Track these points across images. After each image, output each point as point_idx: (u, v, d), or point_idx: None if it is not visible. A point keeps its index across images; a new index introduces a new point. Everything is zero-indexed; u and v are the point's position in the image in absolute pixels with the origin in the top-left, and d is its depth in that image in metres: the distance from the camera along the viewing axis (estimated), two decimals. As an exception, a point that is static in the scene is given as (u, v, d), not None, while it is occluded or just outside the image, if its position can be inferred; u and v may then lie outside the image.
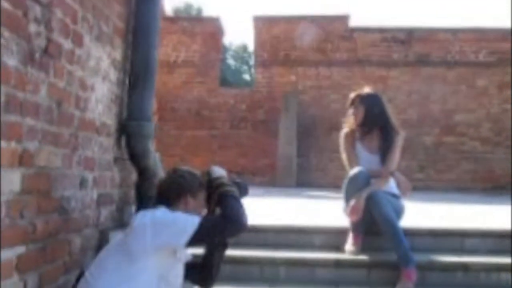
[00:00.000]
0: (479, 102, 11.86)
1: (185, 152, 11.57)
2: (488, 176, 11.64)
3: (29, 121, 2.57)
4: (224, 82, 12.23)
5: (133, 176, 4.06)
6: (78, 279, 2.58)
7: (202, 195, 2.68)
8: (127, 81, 3.99)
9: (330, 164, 10.86)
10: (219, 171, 2.74)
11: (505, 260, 3.69)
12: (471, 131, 11.89)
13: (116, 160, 3.80)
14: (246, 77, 11.59)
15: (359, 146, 3.98)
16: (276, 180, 11.13)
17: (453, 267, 3.66)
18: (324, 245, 3.95)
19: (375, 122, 3.96)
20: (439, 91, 11.89)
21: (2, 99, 2.31)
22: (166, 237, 2.40)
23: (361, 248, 3.78)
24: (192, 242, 2.41)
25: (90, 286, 2.44)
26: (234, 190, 2.62)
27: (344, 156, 4.02)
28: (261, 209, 5.48)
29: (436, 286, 3.57)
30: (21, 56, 2.46)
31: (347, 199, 3.78)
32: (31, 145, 2.60)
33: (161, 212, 2.50)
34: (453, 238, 3.98)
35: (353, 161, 3.93)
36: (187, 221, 2.42)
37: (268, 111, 11.92)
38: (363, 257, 3.71)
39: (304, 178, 11.31)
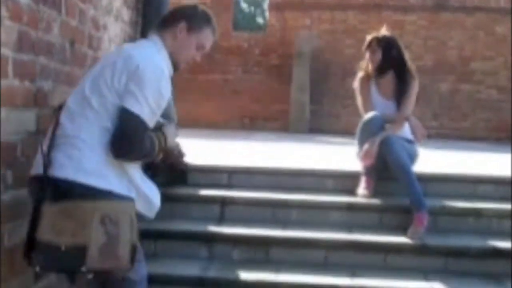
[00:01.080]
0: (497, 50, 11.61)
1: (197, 96, 11.50)
2: (502, 126, 11.51)
3: (42, 60, 2.55)
4: (237, 25, 12.03)
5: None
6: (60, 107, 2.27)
7: (198, 37, 2.35)
8: (139, 21, 3.94)
9: (343, 110, 10.78)
10: (169, 130, 2.41)
11: (517, 207, 3.69)
12: (488, 79, 11.70)
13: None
14: (260, 20, 11.35)
15: (374, 91, 3.93)
16: (288, 126, 11.09)
17: (465, 212, 3.66)
18: (337, 188, 3.95)
19: (392, 66, 3.90)
20: (457, 37, 11.66)
21: (15, 36, 2.28)
22: (126, 96, 2.13)
23: (374, 192, 3.78)
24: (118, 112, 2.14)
25: (76, 113, 2.18)
26: (161, 138, 2.31)
27: (359, 100, 3.97)
28: (274, 153, 5.49)
29: (448, 231, 3.58)
30: (33, -7, 2.42)
31: (361, 143, 3.76)
32: (45, 85, 2.59)
33: (142, 69, 2.15)
34: (466, 184, 3.97)
35: (368, 106, 3.89)
36: (141, 104, 2.13)
37: (282, 56, 11.78)
38: (375, 201, 3.72)
39: (316, 125, 11.27)
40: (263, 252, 3.40)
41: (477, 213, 3.65)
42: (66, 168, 2.10)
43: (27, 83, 2.42)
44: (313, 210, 3.70)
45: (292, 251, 3.40)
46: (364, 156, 3.70)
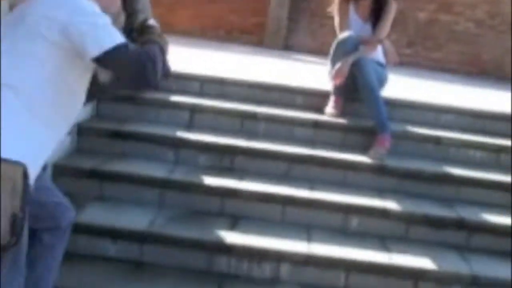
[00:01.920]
0: (479, -17, 11.55)
1: (173, 2, 11.26)
2: (475, 60, 11.63)
3: None
4: None
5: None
6: None
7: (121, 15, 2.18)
8: None
9: (320, 29, 10.70)
10: (154, 23, 2.28)
11: (475, 138, 3.84)
12: (467, 11, 11.69)
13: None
14: None
15: (352, 13, 3.94)
16: (263, 40, 11.01)
17: (426, 138, 3.80)
18: (306, 105, 4.03)
19: (371, -11, 3.90)
20: (441, -35, 11.52)
21: None
22: (76, 41, 1.87)
23: (341, 112, 3.88)
24: (102, 62, 1.91)
25: None
26: (164, 42, 2.17)
27: (336, 20, 3.99)
28: (248, 66, 5.51)
29: (408, 154, 3.72)
30: None
31: (334, 62, 3.81)
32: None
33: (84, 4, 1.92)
34: (429, 112, 4.10)
35: (344, 26, 3.91)
36: (110, 32, 1.90)
37: (263, -32, 11.51)
38: (341, 120, 3.82)
39: (292, 42, 11.18)
40: (228, 160, 3.50)
41: (437, 140, 3.80)
42: None
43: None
44: (280, 124, 3.78)
45: (257, 161, 3.51)
46: (335, 75, 3.77)
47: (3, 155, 1.75)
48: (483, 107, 4.28)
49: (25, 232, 1.90)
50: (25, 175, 1.78)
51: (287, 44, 11.02)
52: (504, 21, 11.28)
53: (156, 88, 1.98)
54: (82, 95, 2.07)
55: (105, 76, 2.17)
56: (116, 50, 1.86)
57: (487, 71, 11.24)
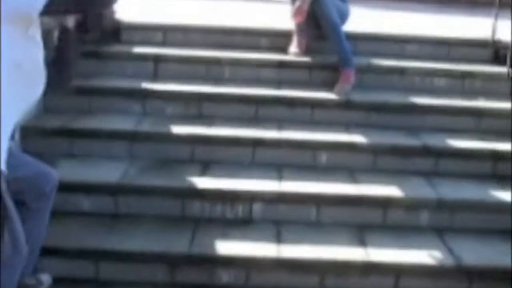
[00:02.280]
0: None
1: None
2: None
3: None
4: None
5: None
6: None
7: None
8: None
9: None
10: None
11: (439, 65, 3.88)
12: None
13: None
14: None
15: None
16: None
17: (390, 70, 3.84)
18: (270, 47, 4.04)
19: None
20: None
21: None
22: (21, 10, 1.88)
23: (305, 50, 3.88)
24: (51, 9, 1.94)
25: None
26: None
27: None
28: (212, 11, 5.45)
29: (373, 88, 3.76)
30: None
31: (293, 1, 3.79)
32: None
33: None
34: (393, 43, 4.12)
35: (301, -38, 3.87)
36: None
37: None
38: (305, 59, 3.84)
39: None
40: (196, 108, 3.52)
41: (402, 71, 3.84)
42: None
43: None
44: (245, 67, 3.80)
45: (224, 106, 3.54)
46: (295, 14, 3.76)
47: None
48: (447, 34, 4.30)
49: (14, 215, 1.96)
50: None
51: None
52: None
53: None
54: (36, 73, 2.02)
55: (69, 20, 2.17)
56: None
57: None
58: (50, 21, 2.20)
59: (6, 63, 1.85)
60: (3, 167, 1.86)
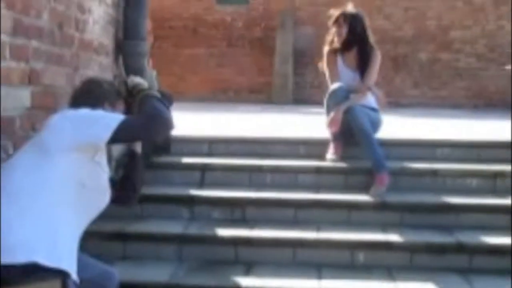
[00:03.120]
0: (475, 19, 11.91)
1: (183, 70, 11.78)
2: (480, 93, 11.87)
3: (34, 43, 2.86)
4: (221, -1, 12.26)
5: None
6: None
7: (120, 105, 2.53)
8: (121, 3, 4.23)
9: (325, 81, 11.11)
10: (136, 79, 2.61)
11: (470, 166, 4.07)
12: (466, 47, 12.02)
13: (115, 78, 4.11)
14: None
15: (340, 63, 4.28)
16: (272, 97, 11.42)
17: (422, 172, 4.04)
18: (308, 154, 4.31)
19: (356, 40, 4.23)
20: (436, 7, 11.94)
21: (10, 24, 2.59)
22: (88, 132, 2.22)
23: (341, 156, 4.15)
24: (116, 139, 2.25)
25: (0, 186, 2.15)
26: (155, 93, 2.47)
27: (326, 73, 4.33)
28: (256, 123, 5.85)
29: (407, 189, 3.96)
30: (24, -17, 2.72)
31: (328, 111, 4.12)
32: (38, 65, 2.91)
33: (84, 110, 2.31)
34: (425, 148, 4.35)
35: (334, 77, 4.24)
36: (110, 116, 2.28)
37: (265, 29, 12.05)
38: (341, 164, 4.09)
39: (300, 95, 11.60)
40: (239, 212, 3.77)
41: (434, 173, 4.03)
42: None
43: (22, 64, 2.74)
44: (285, 173, 4.06)
45: (266, 210, 3.77)
46: (330, 124, 4.07)
47: (46, 263, 2.01)
48: (478, 137, 4.52)
49: None
50: (64, 285, 2.04)
51: (295, 98, 11.43)
52: (504, 53, 11.61)
53: (173, 127, 2.33)
54: (100, 192, 2.37)
55: (137, 147, 2.58)
56: (122, 123, 2.22)
57: (494, 102, 11.50)
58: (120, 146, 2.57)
59: (72, 183, 2.21)
60: (75, 276, 2.13)
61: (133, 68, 4.16)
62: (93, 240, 3.45)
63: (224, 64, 12.11)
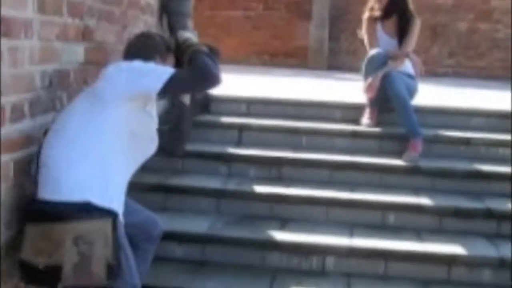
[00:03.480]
0: (518, -11, 11.65)
1: (219, 32, 11.81)
2: (518, 65, 11.67)
3: (88, 1, 2.99)
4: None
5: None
6: (45, 132, 2.43)
7: (171, 59, 2.64)
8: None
9: (361, 47, 11.01)
10: (186, 34, 2.72)
11: (503, 136, 4.12)
12: (506, 17, 11.80)
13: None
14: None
15: (379, 30, 4.33)
16: (307, 62, 11.44)
17: (456, 140, 4.12)
18: (344, 118, 4.41)
19: (396, 8, 4.28)
20: (478, -25, 11.70)
21: (67, -18, 2.73)
22: (141, 83, 2.35)
23: (376, 122, 4.24)
24: (166, 90, 2.39)
25: (57, 133, 2.34)
26: (204, 48, 2.56)
27: (365, 38, 4.39)
28: (290, 86, 5.94)
29: (440, 156, 4.04)
30: None
31: (365, 77, 4.20)
32: (91, 22, 3.05)
33: (137, 62, 2.44)
34: (460, 116, 4.41)
35: (373, 43, 4.31)
36: (161, 69, 2.41)
37: (302, -7, 11.99)
38: (376, 129, 4.19)
39: (335, 61, 11.57)
40: (276, 171, 3.91)
41: (467, 141, 4.11)
42: (45, 189, 2.25)
43: (77, 21, 2.88)
44: (320, 136, 4.18)
45: (301, 170, 3.90)
46: (367, 89, 4.15)
47: (99, 203, 2.19)
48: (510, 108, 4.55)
49: (130, 256, 2.38)
50: (114, 226, 2.24)
51: (330, 64, 11.43)
52: (545, 25, 11.38)
53: (221, 81, 2.45)
54: (149, 141, 2.54)
55: (186, 98, 2.72)
56: (173, 76, 2.36)
57: (531, 75, 11.33)
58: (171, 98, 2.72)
59: (124, 131, 2.37)
60: (121, 218, 2.31)
61: (176, 27, 4.29)
62: (136, 191, 3.61)
63: (260, 27, 12.13)
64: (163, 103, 2.61)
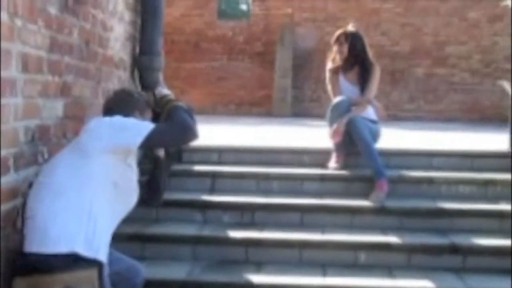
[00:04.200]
0: (470, 34, 12.23)
1: (184, 84, 12.04)
2: (475, 108, 12.15)
3: (67, 58, 3.14)
4: (221, 12, 12.56)
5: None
6: (30, 185, 2.56)
7: (149, 114, 2.76)
8: (138, 21, 4.53)
9: (324, 95, 11.21)
10: (164, 90, 2.89)
11: (464, 174, 4.35)
12: (461, 62, 12.33)
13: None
14: (243, 7, 11.88)
15: (342, 79, 4.57)
16: (272, 110, 11.70)
17: (419, 180, 4.32)
18: (312, 163, 4.59)
19: (357, 57, 4.53)
20: (432, 23, 12.25)
21: (48, 42, 2.88)
22: (122, 137, 2.47)
23: (343, 165, 4.42)
24: (146, 144, 2.52)
25: (43, 185, 2.43)
26: (182, 103, 2.72)
27: (329, 87, 4.63)
28: (258, 134, 6.13)
29: (404, 195, 4.23)
30: (58, 4, 3.00)
31: (331, 124, 4.40)
32: (69, 79, 3.19)
33: (118, 117, 2.57)
34: (422, 157, 4.63)
35: (336, 92, 4.54)
36: (142, 124, 2.55)
37: (265, 44, 12.36)
38: (344, 172, 4.37)
39: (299, 109, 11.89)
40: (249, 216, 4.03)
41: (430, 180, 4.31)
42: (32, 241, 2.33)
43: (56, 78, 3.02)
44: (291, 181, 4.34)
45: (273, 214, 4.04)
46: (333, 135, 4.35)
47: (85, 254, 2.30)
48: (471, 147, 4.81)
49: None
50: (101, 276, 2.35)
51: (294, 111, 11.73)
52: (498, 68, 11.94)
53: (198, 136, 2.62)
54: (130, 192, 2.66)
55: (160, 152, 2.85)
56: (153, 131, 2.50)
57: (488, 116, 11.80)
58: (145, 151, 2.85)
59: (108, 182, 2.49)
60: (106, 267, 2.41)
61: (148, 81, 4.46)
62: (114, 241, 3.72)
63: (225, 77, 12.41)
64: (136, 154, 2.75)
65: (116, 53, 4.06)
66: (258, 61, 12.39)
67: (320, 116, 10.57)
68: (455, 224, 3.95)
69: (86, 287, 2.29)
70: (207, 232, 3.85)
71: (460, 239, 3.76)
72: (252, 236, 3.80)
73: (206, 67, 12.47)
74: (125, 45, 4.29)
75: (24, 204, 2.46)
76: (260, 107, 12.18)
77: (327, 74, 4.64)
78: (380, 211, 4.02)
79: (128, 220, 3.97)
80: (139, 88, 4.51)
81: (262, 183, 4.34)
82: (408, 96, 12.31)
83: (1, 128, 2.39)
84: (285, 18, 12.27)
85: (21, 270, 2.32)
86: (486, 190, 4.25)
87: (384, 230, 3.91)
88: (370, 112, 4.53)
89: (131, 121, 2.57)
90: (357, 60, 4.52)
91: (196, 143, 4.72)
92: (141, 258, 3.65)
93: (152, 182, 2.89)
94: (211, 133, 5.93)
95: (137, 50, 4.52)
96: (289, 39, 11.92)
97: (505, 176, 4.30)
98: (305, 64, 12.04)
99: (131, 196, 2.68)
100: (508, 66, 10.53)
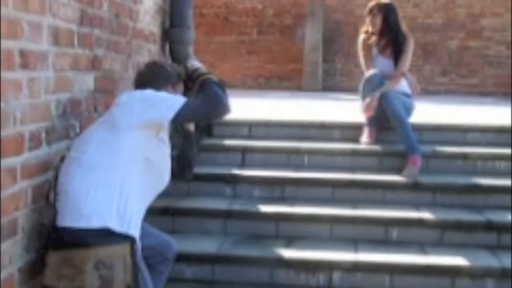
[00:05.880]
0: (505, 6, 11.89)
1: (214, 57, 11.98)
2: (510, 82, 11.86)
3: (97, 31, 3.12)
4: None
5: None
6: (62, 159, 2.53)
7: (181, 87, 2.72)
8: (168, -7, 4.49)
9: (355, 68, 11.19)
10: (196, 63, 2.82)
11: (500, 150, 4.25)
12: (496, 35, 12.02)
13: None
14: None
15: (375, 51, 4.48)
16: (302, 84, 11.61)
17: (454, 155, 4.23)
18: (343, 138, 4.52)
19: (390, 29, 4.43)
20: (466, -6, 11.94)
21: (78, 14, 2.86)
22: (154, 112, 2.43)
23: (375, 140, 4.35)
24: (178, 119, 2.47)
25: (75, 160, 2.41)
26: (214, 77, 2.65)
27: (361, 60, 4.54)
28: (289, 109, 6.07)
29: (438, 171, 4.15)
30: (88, -23, 2.97)
31: (363, 97, 4.33)
32: (99, 52, 3.18)
33: (150, 91, 2.53)
34: (456, 132, 4.53)
35: (369, 64, 4.45)
36: (174, 98, 2.49)
37: (295, 17, 12.20)
38: (376, 147, 4.30)
39: (329, 83, 11.75)
40: (279, 190, 4.01)
41: (464, 156, 4.22)
42: (64, 216, 2.34)
43: (87, 51, 3.01)
44: (322, 155, 4.29)
45: (304, 189, 4.01)
46: (365, 109, 4.28)
47: (117, 229, 2.30)
48: (507, 122, 4.69)
49: (148, 278, 2.50)
50: (133, 251, 2.35)
51: (324, 86, 11.61)
52: (534, 40, 11.60)
53: (230, 110, 2.56)
54: (164, 167, 2.64)
55: (191, 126, 2.85)
56: (185, 105, 2.46)
57: (523, 90, 11.51)
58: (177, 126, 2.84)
59: (140, 158, 2.46)
60: (138, 242, 2.41)
61: (178, 55, 4.43)
62: (145, 216, 3.74)
63: (254, 51, 12.31)
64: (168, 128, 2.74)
65: (146, 26, 4.03)
66: (288, 34, 12.25)
67: (350, 90, 10.51)
68: (490, 201, 3.87)
69: (118, 262, 2.30)
70: (237, 206, 3.84)
71: (496, 216, 3.68)
72: (282, 210, 3.78)
73: (236, 40, 12.38)
74: (155, 18, 4.26)
75: (56, 179, 2.46)
76: (290, 81, 12.08)
77: (359, 46, 4.55)
78: (413, 186, 3.95)
79: (159, 194, 4.03)
80: (170, 62, 4.48)
81: (293, 157, 4.30)
82: (440, 70, 12.06)
83: (33, 102, 2.39)
84: (315, -10, 12.06)
85: (54, 244, 2.33)
86: (521, 166, 4.15)
87: (416, 206, 3.85)
88: (403, 86, 4.44)
89: (163, 95, 2.53)
90: (390, 33, 4.41)
91: (227, 117, 4.79)
92: (172, 232, 3.67)
93: (183, 156, 2.88)
94: (241, 107, 5.90)
95: (167, 23, 4.48)
96: (320, 12, 11.74)
97: (543, 151, 4.19)
98: (335, 38, 11.88)
99: (165, 171, 2.66)
100: (545, 39, 10.24)
